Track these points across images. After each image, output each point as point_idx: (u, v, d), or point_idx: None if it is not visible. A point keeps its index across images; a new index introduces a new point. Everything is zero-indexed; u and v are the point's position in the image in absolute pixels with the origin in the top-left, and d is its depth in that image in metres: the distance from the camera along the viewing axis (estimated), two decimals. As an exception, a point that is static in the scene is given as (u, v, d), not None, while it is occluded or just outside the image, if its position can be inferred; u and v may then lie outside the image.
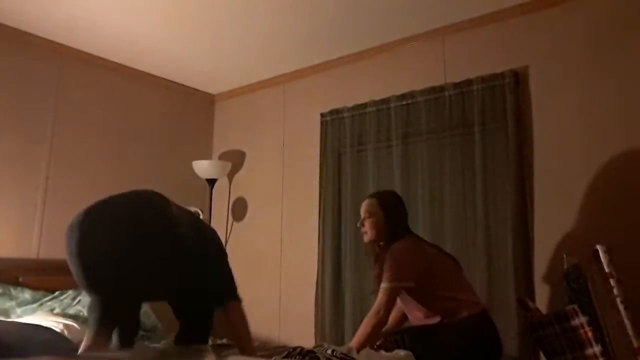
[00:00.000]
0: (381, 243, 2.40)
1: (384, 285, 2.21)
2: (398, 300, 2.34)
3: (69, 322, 2.85)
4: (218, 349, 2.72)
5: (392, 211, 2.40)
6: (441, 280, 2.27)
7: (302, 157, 3.84)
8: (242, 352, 2.12)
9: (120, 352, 2.56)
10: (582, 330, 2.08)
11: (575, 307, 2.14)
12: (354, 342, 2.19)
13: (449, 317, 2.22)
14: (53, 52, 3.53)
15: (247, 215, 4.17)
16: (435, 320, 2.24)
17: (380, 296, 2.20)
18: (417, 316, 2.33)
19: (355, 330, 3.21)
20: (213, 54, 3.73)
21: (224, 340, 2.93)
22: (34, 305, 3.03)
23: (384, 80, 3.48)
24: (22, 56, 3.40)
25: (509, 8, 2.96)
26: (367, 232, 2.41)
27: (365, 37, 3.41)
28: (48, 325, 2.82)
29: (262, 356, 2.27)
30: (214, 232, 2.32)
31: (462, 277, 2.38)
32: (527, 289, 2.66)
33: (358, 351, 2.09)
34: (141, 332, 3.12)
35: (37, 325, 2.80)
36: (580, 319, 2.10)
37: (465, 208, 2.96)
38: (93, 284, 1.93)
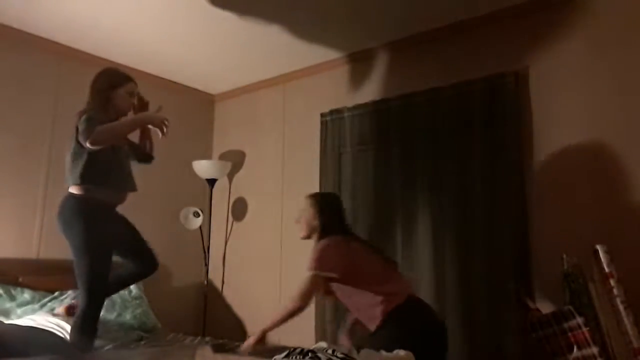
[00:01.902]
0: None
1: (306, 274, 2.32)
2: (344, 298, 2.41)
3: (69, 321, 2.85)
4: (218, 348, 2.73)
5: (324, 210, 2.51)
6: (364, 277, 2.34)
7: (302, 157, 3.84)
8: None
9: (121, 352, 2.57)
10: (579, 331, 2.08)
11: (572, 307, 2.14)
12: (268, 323, 2.31)
13: (369, 314, 2.29)
14: (53, 52, 3.54)
15: (247, 215, 4.17)
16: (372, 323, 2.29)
17: (301, 285, 2.30)
18: (354, 310, 2.42)
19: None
20: (213, 54, 3.73)
21: (225, 340, 2.93)
22: (34, 306, 3.03)
23: (384, 80, 3.48)
24: (22, 56, 3.41)
25: (509, 8, 2.96)
26: (301, 228, 2.55)
27: (366, 37, 3.41)
28: (48, 326, 2.82)
29: (262, 356, 2.27)
30: None
31: (389, 274, 2.42)
32: (527, 289, 2.66)
33: (270, 329, 2.28)
34: (140, 333, 3.13)
35: (37, 327, 2.80)
36: (577, 320, 2.10)
37: (465, 208, 2.95)
38: None
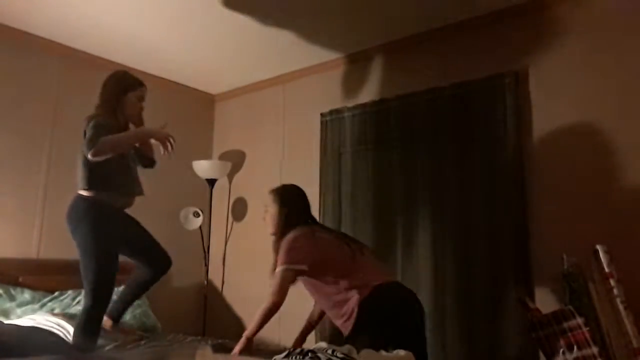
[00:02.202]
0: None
1: (277, 270, 2.30)
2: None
3: (69, 322, 2.85)
4: (218, 348, 2.73)
5: (285, 203, 2.49)
6: (332, 268, 2.32)
7: (302, 157, 3.84)
8: None
9: (121, 352, 2.57)
10: (579, 331, 2.08)
11: (572, 307, 2.14)
12: (250, 329, 2.30)
13: (340, 308, 2.29)
14: (53, 52, 3.54)
15: (247, 215, 4.17)
16: (342, 319, 2.29)
17: (274, 281, 2.29)
18: (325, 306, 2.41)
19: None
20: (213, 54, 3.73)
21: (225, 340, 2.93)
22: (34, 306, 3.04)
23: (384, 80, 3.48)
24: (22, 56, 3.41)
25: (509, 8, 2.96)
26: (268, 225, 2.52)
27: (365, 37, 3.41)
28: (48, 326, 2.82)
29: (262, 356, 2.27)
30: None
31: (361, 261, 2.38)
32: (527, 289, 2.66)
33: (254, 333, 2.27)
34: (140, 333, 3.13)
35: (37, 327, 2.81)
36: (577, 320, 2.10)
37: (465, 208, 2.95)
38: None
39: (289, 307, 3.08)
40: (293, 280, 2.33)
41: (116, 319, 2.69)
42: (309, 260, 2.31)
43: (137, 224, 2.69)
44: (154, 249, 2.68)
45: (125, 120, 2.61)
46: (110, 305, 2.59)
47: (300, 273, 2.32)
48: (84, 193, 2.47)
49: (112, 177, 2.49)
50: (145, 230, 2.70)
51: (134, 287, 2.71)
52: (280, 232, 2.45)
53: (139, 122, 2.68)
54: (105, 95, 2.60)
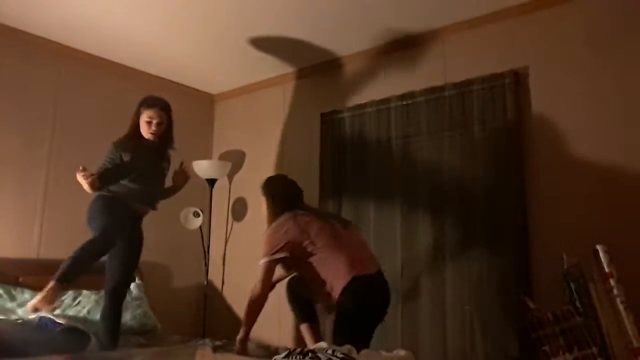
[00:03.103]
0: None
1: (259, 263, 2.41)
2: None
3: (69, 322, 2.85)
4: (218, 348, 2.72)
5: (270, 195, 2.62)
6: (317, 244, 2.38)
7: (302, 157, 3.84)
8: None
9: (121, 352, 2.57)
10: (579, 331, 2.08)
11: (571, 307, 2.14)
12: (241, 331, 2.38)
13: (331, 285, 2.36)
14: (53, 52, 3.54)
15: (247, 215, 4.17)
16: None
17: (257, 274, 2.39)
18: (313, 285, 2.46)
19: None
20: (213, 54, 3.73)
21: (225, 341, 2.93)
22: (34, 306, 3.03)
23: (384, 80, 3.48)
24: (22, 56, 3.41)
25: (509, 8, 2.96)
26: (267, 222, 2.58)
27: (365, 37, 3.41)
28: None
29: (261, 356, 2.27)
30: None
31: (346, 241, 2.43)
32: (527, 289, 2.66)
33: (246, 333, 2.35)
34: (141, 334, 3.13)
35: (37, 327, 2.80)
36: (577, 320, 2.10)
37: (465, 208, 2.95)
38: None
39: (289, 307, 3.08)
40: (274, 271, 2.42)
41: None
42: (290, 246, 2.37)
43: (140, 240, 2.85)
44: (121, 270, 2.74)
45: (145, 137, 2.80)
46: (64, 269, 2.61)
47: (282, 260, 2.40)
48: (105, 193, 2.68)
49: (132, 187, 2.71)
50: (138, 249, 2.85)
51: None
52: (269, 223, 2.52)
53: (163, 143, 2.89)
54: (134, 114, 2.83)
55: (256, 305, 2.39)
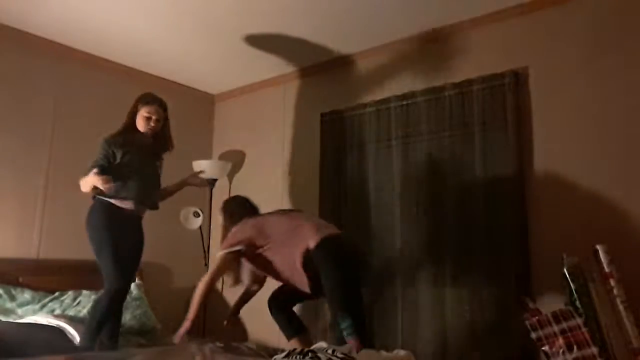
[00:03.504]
0: None
1: (216, 256, 2.63)
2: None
3: (69, 325, 2.85)
4: (217, 348, 2.72)
5: (229, 214, 2.84)
6: (275, 233, 2.61)
7: (302, 157, 3.84)
8: None
9: (120, 352, 2.57)
10: (579, 331, 2.08)
11: (571, 307, 2.14)
12: (189, 312, 2.55)
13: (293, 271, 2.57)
14: (53, 52, 3.53)
15: (247, 215, 4.16)
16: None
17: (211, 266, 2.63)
18: (286, 275, 2.63)
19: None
20: (213, 54, 3.73)
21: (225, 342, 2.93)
22: (35, 306, 3.04)
23: (384, 80, 3.48)
24: (22, 56, 3.41)
25: (509, 8, 2.96)
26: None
27: (366, 38, 3.41)
28: (48, 326, 2.82)
29: (261, 356, 2.27)
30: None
31: (304, 222, 2.62)
32: (527, 289, 2.66)
33: (190, 322, 2.53)
34: (141, 334, 3.12)
35: (37, 325, 2.81)
36: (577, 320, 2.10)
37: (465, 208, 2.95)
38: None
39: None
40: (234, 262, 2.65)
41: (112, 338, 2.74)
42: (245, 241, 2.58)
43: (141, 240, 2.87)
44: (129, 267, 2.75)
45: (141, 134, 2.83)
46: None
47: (238, 253, 2.58)
48: (102, 198, 2.68)
49: (129, 186, 2.71)
50: (140, 250, 2.87)
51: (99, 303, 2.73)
52: (222, 240, 2.73)
53: (148, 137, 2.88)
54: (128, 112, 2.86)
55: (205, 292, 2.56)
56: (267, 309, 2.84)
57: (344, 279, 2.42)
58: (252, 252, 2.61)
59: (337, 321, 2.38)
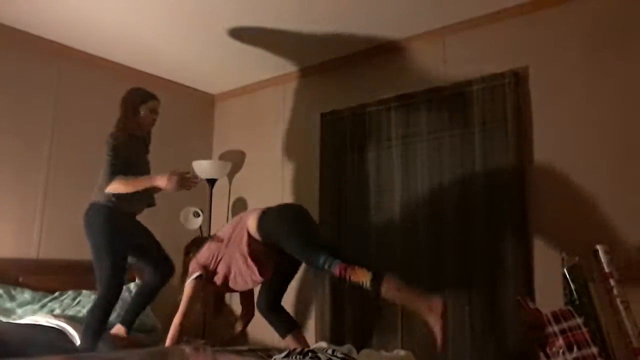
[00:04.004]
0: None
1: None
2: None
3: (69, 325, 2.85)
4: (217, 349, 2.72)
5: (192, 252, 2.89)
6: (221, 248, 2.72)
7: (302, 157, 3.84)
8: None
9: (120, 352, 2.57)
10: (579, 331, 2.08)
11: (571, 307, 2.14)
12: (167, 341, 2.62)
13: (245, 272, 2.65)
14: (53, 52, 3.53)
15: (247, 215, 4.16)
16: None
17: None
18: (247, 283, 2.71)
19: (355, 330, 3.22)
20: (213, 54, 3.73)
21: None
22: (35, 306, 3.04)
23: (384, 80, 3.48)
24: (22, 56, 3.41)
25: (509, 8, 2.96)
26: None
27: (365, 38, 3.41)
28: (48, 326, 2.82)
29: (261, 356, 2.27)
30: None
31: (239, 218, 2.76)
32: (527, 289, 2.66)
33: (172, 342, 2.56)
34: (140, 334, 3.13)
35: (37, 325, 2.81)
36: (577, 320, 2.10)
37: (465, 208, 2.95)
38: None
39: (289, 308, 3.10)
40: (199, 289, 2.71)
41: (129, 326, 2.87)
42: (203, 260, 2.69)
43: (147, 230, 2.93)
44: (160, 255, 2.92)
45: (140, 130, 2.87)
46: (123, 314, 2.87)
47: (200, 279, 2.66)
48: (100, 201, 2.69)
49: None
50: (153, 237, 2.94)
51: (143, 295, 2.96)
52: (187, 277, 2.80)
53: (148, 138, 2.97)
54: (123, 108, 2.85)
55: (175, 327, 2.62)
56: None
57: (300, 229, 2.48)
58: (213, 271, 2.69)
59: (314, 265, 2.34)
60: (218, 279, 2.70)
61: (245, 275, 2.62)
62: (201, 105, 4.51)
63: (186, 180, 2.64)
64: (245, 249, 2.57)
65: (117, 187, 2.61)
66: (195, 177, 2.75)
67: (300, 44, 3.51)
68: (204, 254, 2.74)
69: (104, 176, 2.66)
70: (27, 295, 3.07)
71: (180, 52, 3.70)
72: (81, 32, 3.40)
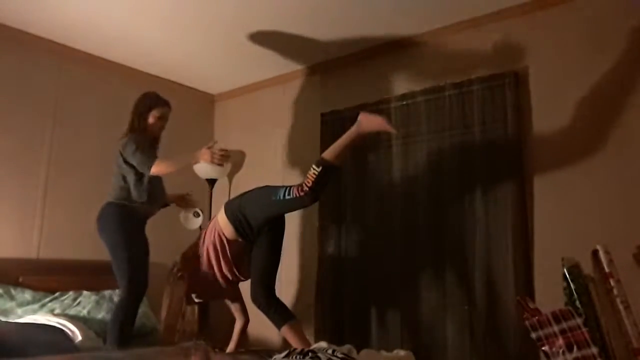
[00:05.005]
0: None
1: None
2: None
3: (69, 322, 2.85)
4: (216, 349, 2.73)
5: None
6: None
7: (302, 157, 3.84)
8: None
9: (119, 352, 2.57)
10: (579, 331, 2.08)
11: (571, 308, 2.14)
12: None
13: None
14: (53, 52, 3.53)
15: (247, 215, 4.16)
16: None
17: None
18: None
19: (354, 330, 3.22)
20: (213, 54, 3.73)
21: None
22: (35, 306, 3.03)
23: (384, 80, 3.48)
24: (22, 56, 3.41)
25: (509, 8, 2.96)
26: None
27: (365, 37, 3.41)
28: (48, 324, 2.82)
29: (261, 356, 2.27)
30: None
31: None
32: (527, 289, 2.66)
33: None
34: (141, 333, 3.12)
35: (38, 324, 2.81)
36: (577, 320, 2.09)
37: (465, 208, 2.95)
38: None
39: (289, 307, 3.08)
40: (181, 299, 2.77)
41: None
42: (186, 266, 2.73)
43: (147, 244, 2.90)
44: (143, 269, 2.81)
45: (151, 135, 2.90)
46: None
47: (182, 278, 2.69)
48: (114, 201, 2.73)
49: (144, 186, 2.77)
50: (148, 253, 2.89)
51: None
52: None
53: (157, 143, 2.99)
54: (134, 113, 2.90)
55: (170, 331, 2.73)
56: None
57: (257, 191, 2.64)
58: (196, 270, 2.71)
59: (278, 198, 2.48)
60: (201, 279, 2.74)
61: (225, 272, 2.69)
62: (201, 105, 4.51)
63: (222, 156, 2.72)
64: (217, 246, 2.63)
65: (160, 168, 2.65)
66: (226, 150, 2.78)
67: (300, 44, 3.51)
68: (188, 253, 2.79)
69: (140, 165, 2.68)
70: (27, 295, 3.07)
71: (181, 52, 3.70)
72: (81, 32, 3.40)
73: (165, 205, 3.02)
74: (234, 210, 2.60)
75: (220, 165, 2.75)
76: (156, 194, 2.84)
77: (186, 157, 2.79)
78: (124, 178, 2.79)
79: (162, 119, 2.92)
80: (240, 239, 2.62)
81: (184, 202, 3.21)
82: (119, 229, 2.69)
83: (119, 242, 2.66)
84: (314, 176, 2.37)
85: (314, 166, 2.40)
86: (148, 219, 2.93)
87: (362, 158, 3.44)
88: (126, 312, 2.64)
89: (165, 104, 2.93)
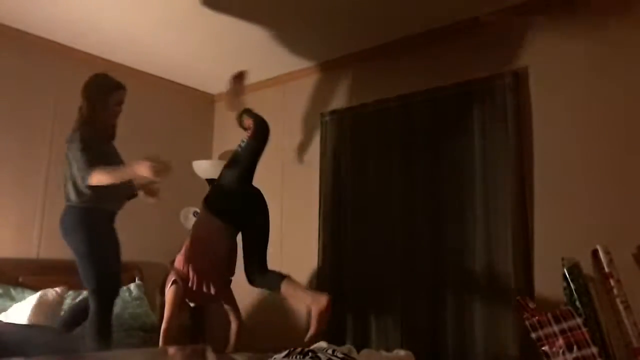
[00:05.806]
0: None
1: None
2: None
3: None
4: (216, 349, 2.72)
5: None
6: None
7: (301, 157, 3.84)
8: None
9: (119, 352, 2.57)
10: (579, 331, 2.08)
11: (571, 308, 2.14)
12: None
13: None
14: (53, 52, 3.54)
15: (247, 215, 4.16)
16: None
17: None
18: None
19: (355, 329, 3.22)
20: (213, 54, 3.73)
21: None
22: (34, 306, 3.03)
23: (384, 80, 3.47)
24: (22, 56, 3.41)
25: (508, 8, 2.96)
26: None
27: (365, 37, 3.41)
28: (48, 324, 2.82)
29: (261, 357, 2.27)
30: None
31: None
32: (527, 289, 2.66)
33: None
34: (141, 333, 3.13)
35: (37, 326, 2.80)
36: (577, 320, 2.10)
37: (465, 208, 2.95)
38: None
39: (289, 307, 3.09)
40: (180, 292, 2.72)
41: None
42: (175, 273, 2.74)
43: (118, 242, 2.65)
44: (112, 277, 2.62)
45: (104, 125, 2.63)
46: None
47: (176, 284, 2.68)
48: (74, 204, 2.50)
49: (101, 187, 2.43)
50: (119, 252, 2.66)
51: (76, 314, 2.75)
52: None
53: (113, 131, 2.72)
54: (84, 100, 2.61)
55: (168, 325, 2.64)
56: (266, 308, 2.85)
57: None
58: (187, 275, 2.73)
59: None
60: (192, 283, 2.74)
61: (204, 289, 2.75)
62: (201, 105, 4.51)
63: (162, 170, 2.32)
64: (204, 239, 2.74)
65: (100, 178, 2.35)
66: (164, 163, 2.34)
67: (300, 44, 3.51)
68: (178, 259, 2.80)
69: (78, 173, 2.41)
70: (26, 295, 3.07)
71: (180, 52, 3.70)
72: (81, 32, 3.40)
73: (133, 196, 2.75)
74: (210, 196, 2.94)
75: (158, 178, 2.34)
76: (118, 188, 2.47)
77: (125, 169, 2.42)
78: (74, 179, 2.49)
79: (120, 103, 2.61)
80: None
81: (151, 191, 2.90)
82: (84, 238, 2.45)
83: (84, 252, 2.45)
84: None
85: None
86: (116, 215, 2.67)
87: (362, 157, 3.44)
88: (98, 326, 2.45)
89: (121, 86, 2.62)
